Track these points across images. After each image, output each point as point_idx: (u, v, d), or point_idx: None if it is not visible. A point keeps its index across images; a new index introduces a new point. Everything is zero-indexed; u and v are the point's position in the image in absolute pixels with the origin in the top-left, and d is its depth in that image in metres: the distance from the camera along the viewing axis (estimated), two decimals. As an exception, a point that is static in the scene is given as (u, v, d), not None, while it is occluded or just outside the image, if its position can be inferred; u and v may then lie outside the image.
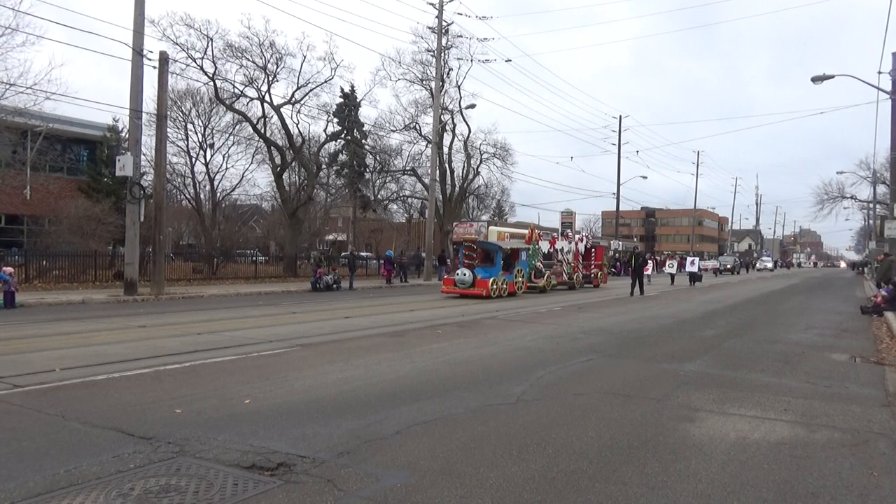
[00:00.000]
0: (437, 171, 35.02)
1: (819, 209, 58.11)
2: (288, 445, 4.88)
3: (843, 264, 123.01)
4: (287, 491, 3.99)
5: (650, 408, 6.38)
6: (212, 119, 35.32)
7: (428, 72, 37.00)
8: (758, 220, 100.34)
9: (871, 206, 51.94)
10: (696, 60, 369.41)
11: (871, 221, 55.16)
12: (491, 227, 26.96)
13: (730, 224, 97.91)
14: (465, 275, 21.55)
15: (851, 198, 55.77)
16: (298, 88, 32.14)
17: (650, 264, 36.13)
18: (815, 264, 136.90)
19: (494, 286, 21.48)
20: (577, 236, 30.62)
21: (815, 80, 22.97)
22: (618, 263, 47.04)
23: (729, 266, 58.07)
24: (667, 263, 39.27)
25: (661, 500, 4.02)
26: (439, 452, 4.81)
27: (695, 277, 33.66)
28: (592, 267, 30.21)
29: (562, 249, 27.67)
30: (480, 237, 24.60)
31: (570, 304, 19.85)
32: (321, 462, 4.52)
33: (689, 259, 36.74)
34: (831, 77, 22.82)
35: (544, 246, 26.38)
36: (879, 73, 26.01)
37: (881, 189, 51.12)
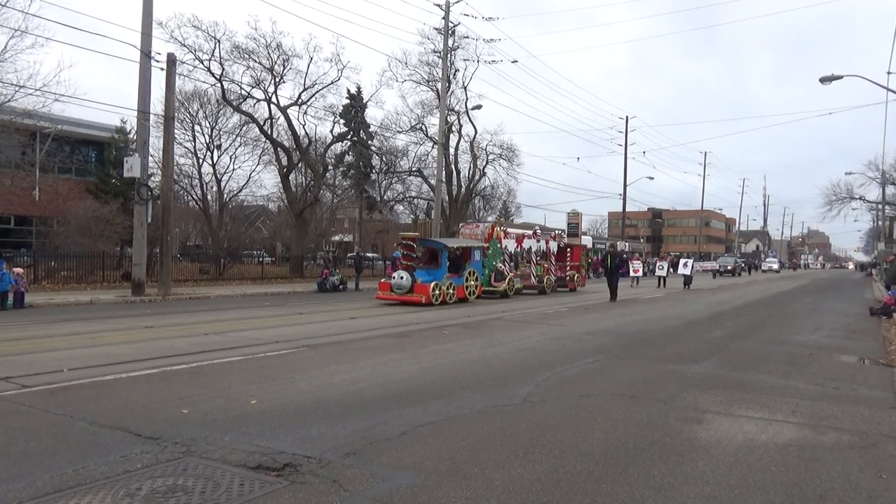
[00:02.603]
0: (444, 172, 34.99)
1: (827, 210, 57.60)
2: (294, 446, 4.89)
3: (851, 265, 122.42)
4: (293, 491, 4.00)
5: (657, 409, 6.36)
6: (219, 120, 35.47)
7: (434, 73, 36.97)
8: (765, 220, 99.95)
9: (880, 207, 51.63)
10: (697, 61, 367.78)
11: (879, 223, 54.83)
12: (496, 228, 26.03)
13: (737, 225, 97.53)
14: (402, 278, 18.44)
15: (860, 199, 55.36)
16: (305, 90, 32.27)
17: (639, 265, 33.86)
18: (823, 265, 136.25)
19: (437, 291, 18.37)
20: (548, 234, 27.61)
21: (824, 80, 22.80)
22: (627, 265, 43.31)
23: (729, 267, 55.22)
24: (657, 265, 35.83)
25: (668, 502, 4.00)
26: (445, 453, 4.81)
27: (687, 280, 31.12)
28: (568, 268, 27.37)
29: (529, 249, 24.83)
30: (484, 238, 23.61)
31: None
32: (327, 462, 4.53)
33: (681, 260, 34.05)
34: (840, 77, 22.65)
35: (511, 245, 23.55)
36: (889, 73, 25.91)
37: (890, 190, 50.87)
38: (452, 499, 3.94)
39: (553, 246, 26.58)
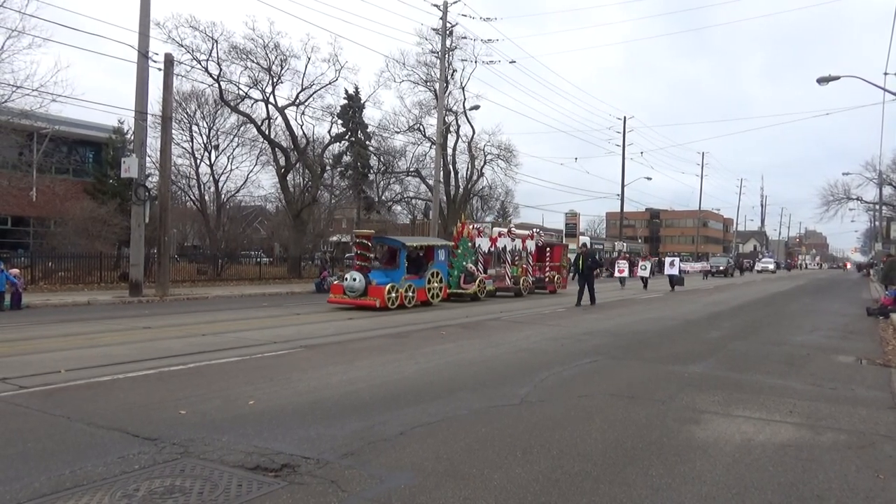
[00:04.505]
0: (441, 173, 34.99)
1: (825, 210, 57.76)
2: (292, 446, 4.88)
3: (848, 266, 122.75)
4: (291, 492, 4.00)
5: (655, 409, 6.36)
6: (216, 121, 35.38)
7: (432, 73, 37.02)
8: (763, 221, 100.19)
9: (878, 207, 51.78)
10: (692, 61, 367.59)
11: (877, 223, 54.98)
12: (495, 228, 25.51)
13: (735, 225, 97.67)
14: (354, 280, 16.67)
15: (857, 199, 55.54)
16: (303, 90, 32.23)
17: (625, 265, 32.71)
18: (821, 265, 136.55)
19: (393, 294, 16.66)
20: (525, 233, 25.72)
21: (821, 81, 22.87)
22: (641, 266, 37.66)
23: (722, 268, 54.40)
24: (639, 265, 33.69)
25: (666, 502, 4.00)
26: (443, 454, 4.81)
27: (674, 281, 29.18)
28: (548, 269, 25.91)
29: (504, 248, 23.11)
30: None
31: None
32: (325, 463, 4.53)
33: (668, 259, 32.40)
34: (837, 78, 22.72)
35: (484, 244, 21.87)
36: (886, 73, 26.01)
37: (887, 190, 51.06)
38: (450, 499, 3.94)
39: (530, 245, 24.86)
